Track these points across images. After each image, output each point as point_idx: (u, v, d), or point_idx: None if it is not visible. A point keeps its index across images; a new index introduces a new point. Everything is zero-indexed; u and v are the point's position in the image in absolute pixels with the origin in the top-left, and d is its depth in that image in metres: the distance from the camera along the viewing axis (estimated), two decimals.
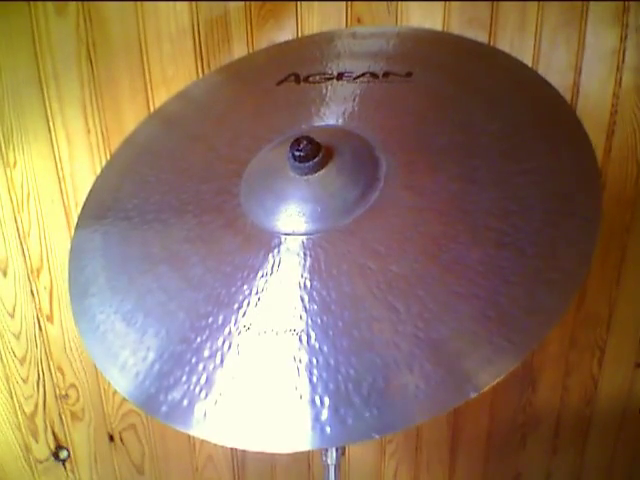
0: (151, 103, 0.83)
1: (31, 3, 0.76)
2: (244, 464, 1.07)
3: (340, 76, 0.61)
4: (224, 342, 0.47)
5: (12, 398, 0.94)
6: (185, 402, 0.45)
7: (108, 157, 0.84)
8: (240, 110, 0.64)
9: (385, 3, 0.81)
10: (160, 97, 0.82)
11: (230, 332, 0.47)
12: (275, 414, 0.43)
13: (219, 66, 0.82)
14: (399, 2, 0.81)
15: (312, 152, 0.51)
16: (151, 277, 0.53)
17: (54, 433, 0.98)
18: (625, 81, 0.85)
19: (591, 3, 0.81)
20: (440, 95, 0.57)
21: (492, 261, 0.44)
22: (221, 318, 0.48)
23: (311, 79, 0.62)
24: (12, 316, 0.89)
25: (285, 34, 0.82)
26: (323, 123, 0.58)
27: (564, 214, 0.46)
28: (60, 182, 0.85)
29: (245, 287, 0.49)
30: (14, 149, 0.82)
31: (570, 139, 0.51)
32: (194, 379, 0.46)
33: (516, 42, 0.83)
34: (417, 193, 0.50)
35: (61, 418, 0.97)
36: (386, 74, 0.60)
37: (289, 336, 0.45)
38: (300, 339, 0.45)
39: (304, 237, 0.50)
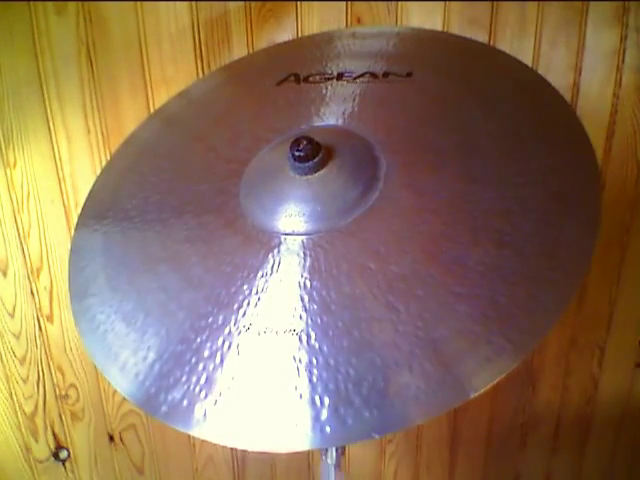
0: (151, 103, 0.83)
1: (31, 3, 0.76)
2: (244, 464, 1.07)
3: (340, 76, 0.61)
4: (224, 342, 0.47)
5: (12, 398, 0.94)
6: (185, 402, 0.45)
7: (108, 157, 0.83)
8: (240, 110, 0.64)
9: (385, 3, 0.81)
10: (160, 97, 0.82)
11: (230, 332, 0.47)
12: (275, 414, 0.43)
13: (219, 66, 0.82)
14: (399, 2, 0.81)
15: (312, 152, 0.51)
16: (151, 277, 0.53)
17: (54, 433, 0.98)
18: (625, 81, 0.85)
19: (591, 3, 0.81)
20: (440, 95, 0.57)
21: (492, 261, 0.44)
22: (221, 318, 0.48)
23: (311, 79, 0.62)
24: (12, 316, 0.89)
25: (285, 34, 0.82)
26: (323, 123, 0.58)
27: (564, 214, 0.46)
28: (60, 182, 0.85)
29: (245, 287, 0.49)
30: (14, 149, 0.82)
31: (570, 139, 0.51)
32: (194, 379, 0.46)
33: (516, 42, 0.83)
34: (417, 193, 0.50)
35: (61, 418, 0.97)
36: (386, 74, 0.60)
37: (289, 336, 0.45)
38: (300, 339, 0.45)
39: (304, 237, 0.50)
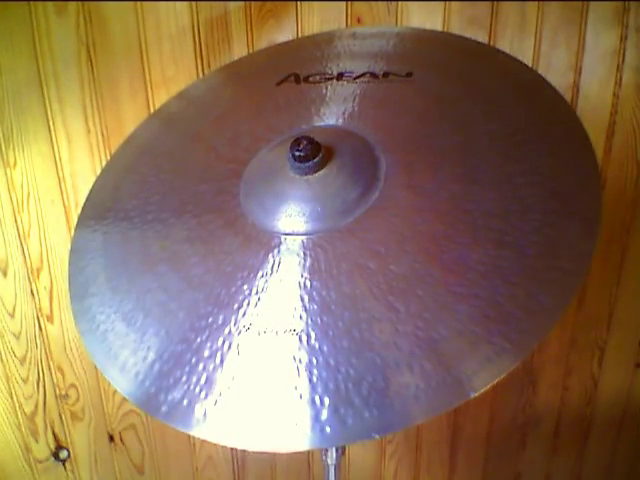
0: (151, 103, 0.83)
1: (31, 3, 0.76)
2: (244, 464, 1.07)
3: (340, 76, 0.61)
4: (224, 342, 0.47)
5: (12, 398, 0.94)
6: (185, 402, 0.45)
7: (108, 157, 0.83)
8: (240, 110, 0.64)
9: (385, 3, 0.81)
10: (160, 97, 0.82)
11: (230, 332, 0.47)
12: (275, 414, 0.43)
13: (219, 66, 0.82)
14: (399, 2, 0.81)
15: (312, 152, 0.51)
16: (151, 277, 0.53)
17: (54, 433, 0.98)
18: (625, 81, 0.85)
19: (591, 3, 0.81)
20: (440, 95, 0.57)
21: (492, 261, 0.44)
22: (221, 318, 0.48)
23: (311, 79, 0.62)
24: (12, 316, 0.89)
25: (285, 34, 0.82)
26: (323, 123, 0.58)
27: (564, 214, 0.46)
28: (60, 182, 0.85)
29: (245, 287, 0.49)
30: (14, 149, 0.82)
31: (570, 139, 0.51)
32: (194, 379, 0.46)
33: (516, 42, 0.83)
34: (417, 193, 0.50)
35: (61, 418, 0.97)
36: (386, 74, 0.60)
37: (289, 336, 0.45)
38: (300, 339, 0.45)
39: (304, 237, 0.50)
